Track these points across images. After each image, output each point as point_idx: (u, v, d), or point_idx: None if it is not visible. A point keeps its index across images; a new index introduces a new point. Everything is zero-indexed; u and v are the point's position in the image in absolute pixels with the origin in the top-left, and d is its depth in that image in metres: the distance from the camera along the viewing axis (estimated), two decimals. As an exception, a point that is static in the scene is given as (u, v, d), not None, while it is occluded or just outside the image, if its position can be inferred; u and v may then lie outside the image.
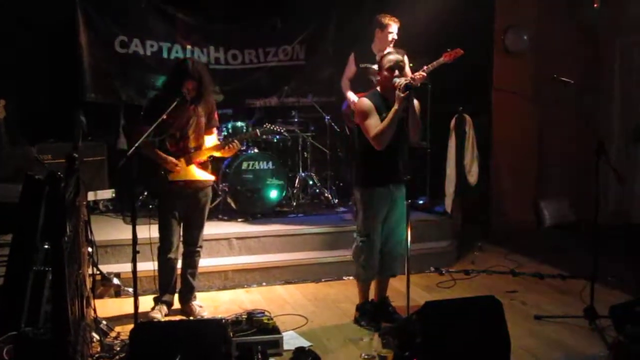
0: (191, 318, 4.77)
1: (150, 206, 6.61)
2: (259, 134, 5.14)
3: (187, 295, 4.94)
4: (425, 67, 5.66)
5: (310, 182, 7.50)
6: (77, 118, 4.40)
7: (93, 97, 7.24)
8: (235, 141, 4.82)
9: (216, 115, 4.94)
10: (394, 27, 6.05)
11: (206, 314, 4.90)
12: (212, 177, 4.89)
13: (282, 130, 5.32)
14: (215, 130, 4.97)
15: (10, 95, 6.22)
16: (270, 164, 6.87)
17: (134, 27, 7.44)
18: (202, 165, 4.81)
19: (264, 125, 5.15)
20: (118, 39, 7.37)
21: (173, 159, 4.65)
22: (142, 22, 7.47)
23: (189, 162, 4.72)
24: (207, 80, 4.74)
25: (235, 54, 7.94)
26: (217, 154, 4.93)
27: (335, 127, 7.33)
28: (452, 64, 5.76)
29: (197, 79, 4.60)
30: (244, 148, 6.96)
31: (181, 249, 4.90)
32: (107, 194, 6.75)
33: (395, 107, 4.24)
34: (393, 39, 6.05)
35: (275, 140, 7.38)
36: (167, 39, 7.56)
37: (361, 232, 4.61)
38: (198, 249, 4.92)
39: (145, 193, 6.73)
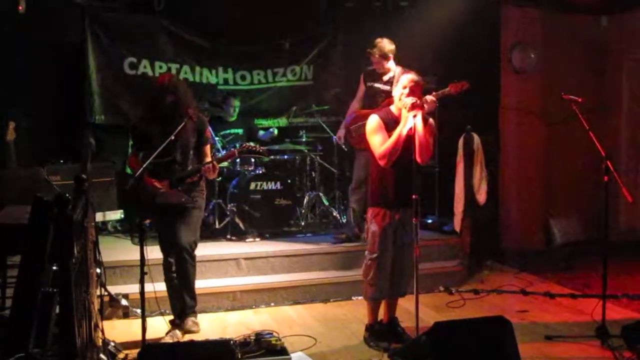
0: (194, 339, 4.69)
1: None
2: (236, 154, 4.97)
3: (180, 309, 4.86)
4: (432, 95, 5.59)
5: (319, 202, 7.49)
6: (85, 139, 4.40)
7: (102, 119, 7.33)
8: (214, 162, 4.69)
9: (208, 133, 4.86)
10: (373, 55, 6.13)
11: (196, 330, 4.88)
12: (192, 200, 4.72)
13: (261, 150, 5.11)
14: (208, 148, 4.89)
15: (20, 117, 6.27)
16: (278, 184, 6.87)
17: (143, 48, 7.52)
18: (192, 184, 4.72)
19: (242, 145, 4.98)
20: (127, 60, 7.46)
21: (156, 183, 4.58)
22: (151, 43, 7.55)
23: (173, 185, 4.63)
24: (184, 95, 4.67)
25: (244, 75, 8.01)
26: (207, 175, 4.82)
27: (343, 146, 7.33)
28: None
29: (173, 93, 4.58)
30: (252, 168, 6.97)
31: None
32: (116, 214, 6.77)
33: (401, 126, 4.26)
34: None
35: (283, 160, 7.40)
36: (175, 60, 7.63)
37: (371, 251, 4.60)
38: (186, 255, 4.72)
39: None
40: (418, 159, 4.28)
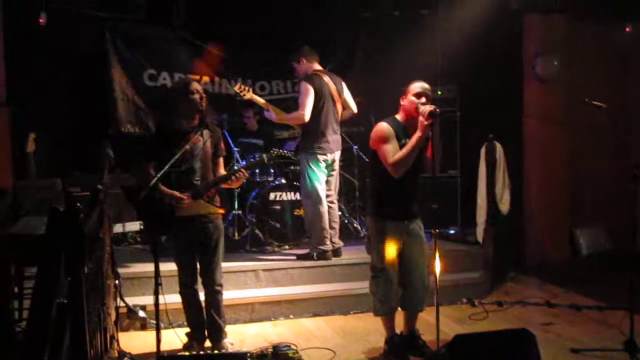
0: (216, 352, 4.65)
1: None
2: (266, 160, 4.76)
3: (216, 334, 4.71)
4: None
5: (339, 213, 7.41)
6: (104, 150, 4.40)
7: (123, 130, 7.35)
8: (242, 170, 4.55)
9: (223, 145, 4.73)
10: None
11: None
12: (220, 210, 4.61)
13: (291, 155, 5.04)
14: (222, 160, 4.73)
15: (41, 129, 6.30)
16: (298, 194, 6.81)
17: (163, 60, 7.58)
18: (210, 198, 4.54)
19: (272, 151, 4.78)
20: (147, 72, 7.52)
21: (178, 194, 4.39)
22: (170, 55, 7.61)
23: (196, 197, 4.44)
24: (206, 102, 4.57)
25: (264, 85, 8.01)
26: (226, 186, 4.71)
27: (364, 157, 7.27)
28: (483, 91, 5.65)
29: (201, 96, 4.47)
30: (272, 179, 6.94)
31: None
32: (135, 226, 6.77)
33: (419, 134, 4.12)
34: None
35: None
36: (195, 71, 7.64)
37: (376, 266, 4.48)
38: (218, 287, 4.65)
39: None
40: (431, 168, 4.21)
